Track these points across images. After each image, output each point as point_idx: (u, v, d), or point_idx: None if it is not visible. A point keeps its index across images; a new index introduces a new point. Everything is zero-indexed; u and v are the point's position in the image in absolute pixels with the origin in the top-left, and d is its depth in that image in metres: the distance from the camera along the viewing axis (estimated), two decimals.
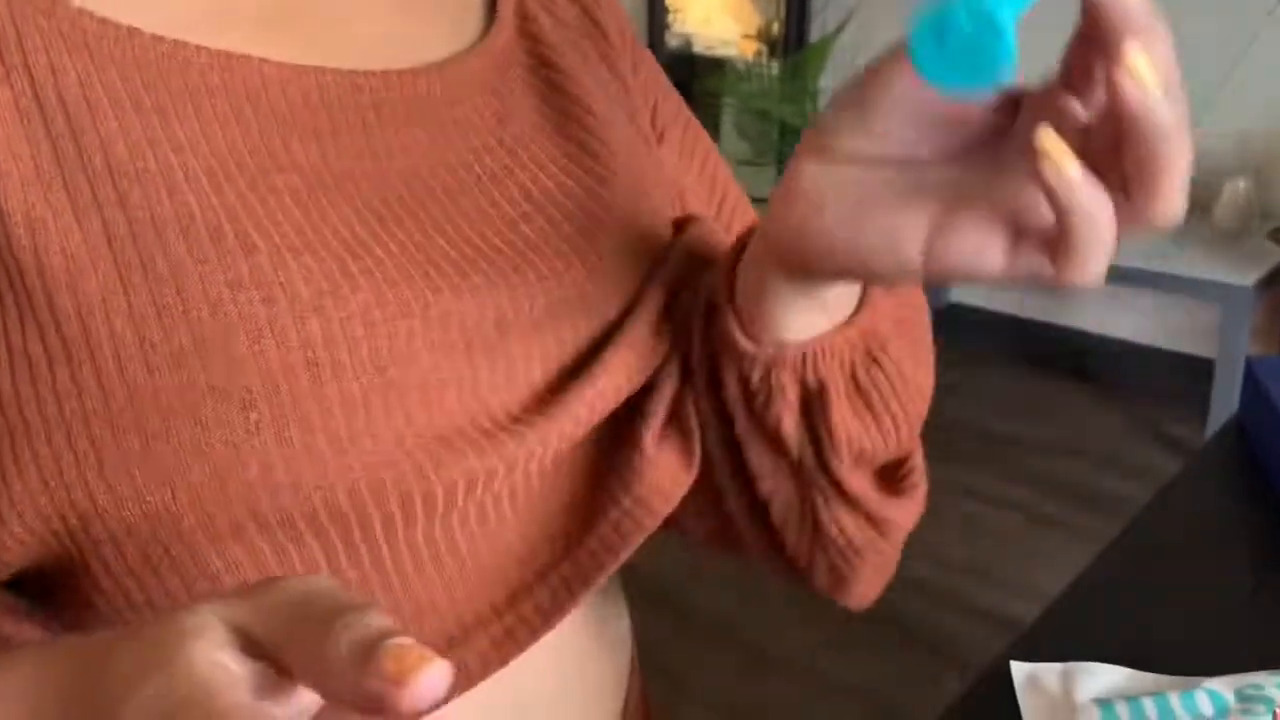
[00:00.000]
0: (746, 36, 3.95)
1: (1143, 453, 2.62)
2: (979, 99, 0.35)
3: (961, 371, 3.16)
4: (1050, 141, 0.32)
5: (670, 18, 3.92)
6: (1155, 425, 2.75)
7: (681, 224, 0.57)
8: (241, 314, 0.40)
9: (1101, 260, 0.34)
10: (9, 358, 0.39)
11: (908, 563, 2.34)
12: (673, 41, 3.96)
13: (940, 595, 2.16)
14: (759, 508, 0.55)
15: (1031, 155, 0.33)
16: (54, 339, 0.38)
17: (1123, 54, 0.32)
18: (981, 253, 0.37)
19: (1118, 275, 2.53)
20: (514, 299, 0.46)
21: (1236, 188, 2.57)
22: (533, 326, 0.46)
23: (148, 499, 0.40)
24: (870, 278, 0.44)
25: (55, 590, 0.43)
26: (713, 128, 3.90)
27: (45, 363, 0.39)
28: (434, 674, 0.25)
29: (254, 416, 0.40)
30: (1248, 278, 2.39)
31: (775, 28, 3.73)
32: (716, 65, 3.86)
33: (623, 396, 0.50)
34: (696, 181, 0.64)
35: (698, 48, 4.01)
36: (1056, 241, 0.34)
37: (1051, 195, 0.33)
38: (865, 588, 0.59)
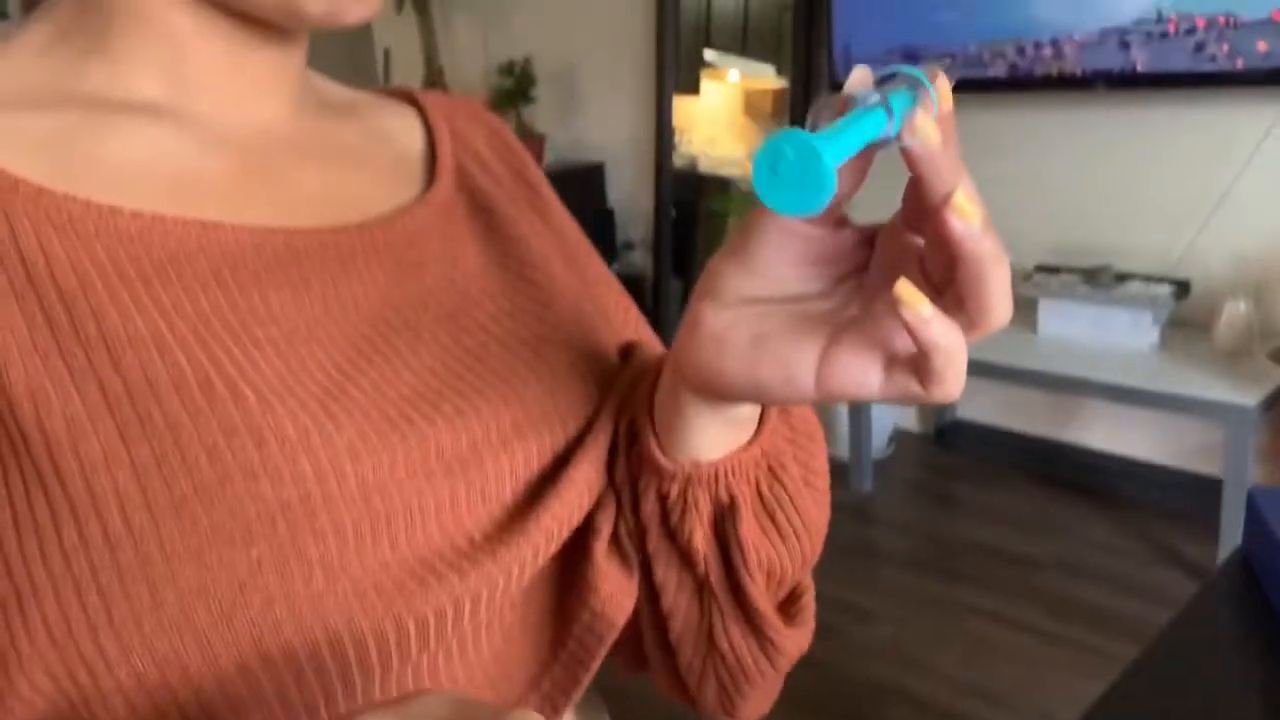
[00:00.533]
0: (750, 157, 4.04)
1: (1153, 572, 2.60)
2: (811, 218, 0.41)
3: (966, 488, 3.15)
4: (906, 291, 0.37)
5: (677, 138, 4.02)
6: (1165, 544, 2.72)
7: (626, 350, 0.61)
8: (236, 458, 0.42)
9: (958, 378, 0.39)
10: (14, 523, 0.41)
11: (912, 681, 2.33)
12: (679, 162, 4.06)
13: (946, 716, 2.12)
14: (660, 624, 0.58)
15: (892, 297, 0.38)
16: (60, 499, 0.41)
17: (949, 198, 0.38)
18: (862, 378, 0.41)
19: (1122, 394, 2.55)
20: (483, 422, 0.50)
21: (1236, 309, 2.60)
22: (502, 445, 0.50)
23: (156, 645, 0.42)
24: (770, 402, 0.48)
25: None
26: (719, 244, 3.96)
27: (51, 523, 0.41)
28: None
29: (255, 553, 0.42)
30: (1251, 398, 2.40)
31: None
32: (721, 185, 3.95)
33: (585, 511, 0.54)
34: (614, 305, 0.68)
35: (703, 167, 4.10)
36: (920, 365, 0.39)
37: (911, 332, 0.37)
38: (752, 709, 0.61)
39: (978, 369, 2.81)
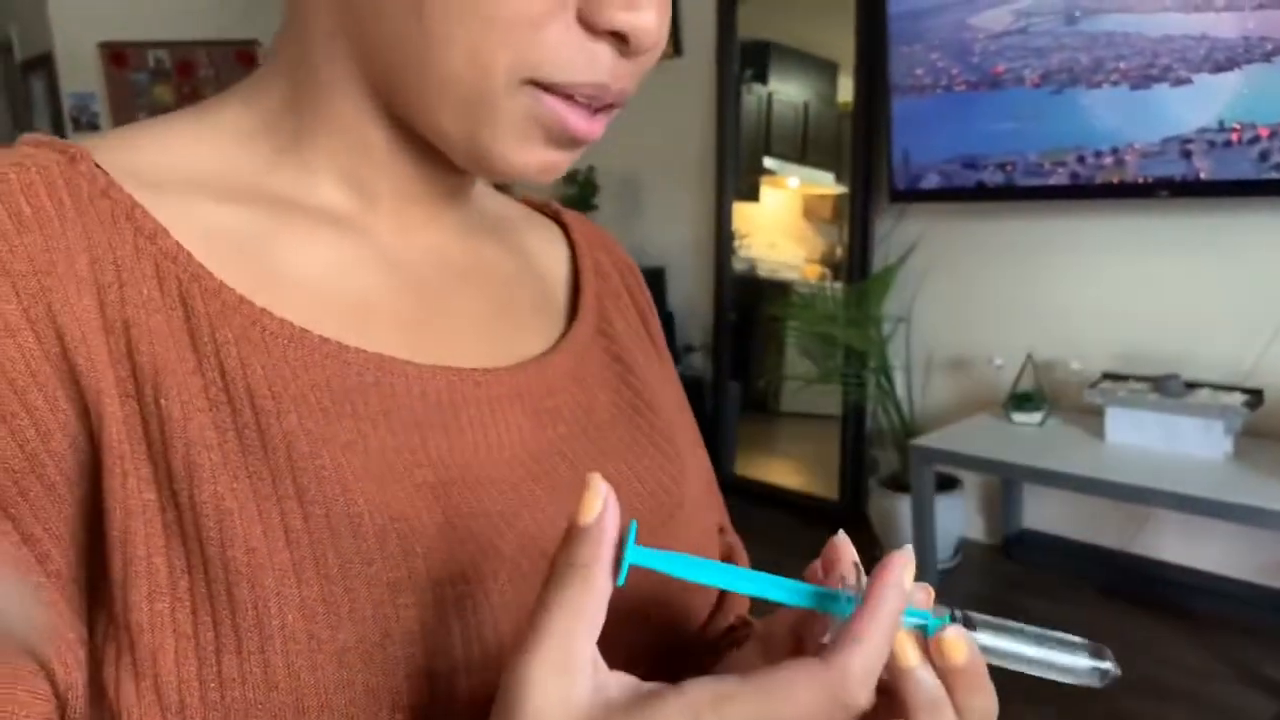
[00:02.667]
0: (810, 261, 4.08)
1: (1237, 693, 2.49)
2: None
3: (1033, 600, 3.06)
4: None
5: (736, 243, 4.07)
6: (1245, 663, 2.61)
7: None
8: (399, 617, 0.42)
9: None
10: (175, 641, 0.40)
11: None
12: (739, 265, 4.10)
13: None
14: None
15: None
16: (227, 628, 0.40)
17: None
18: None
19: (1193, 504, 2.48)
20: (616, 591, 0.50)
21: None
22: (628, 616, 0.50)
23: None
24: None
25: None
26: (777, 350, 3.97)
27: (214, 649, 0.40)
28: None
29: (400, 718, 0.42)
30: None
31: (838, 252, 3.85)
32: (781, 289, 3.97)
33: None
34: None
35: (762, 272, 4.14)
36: None
37: None
38: None
39: (1045, 477, 2.76)
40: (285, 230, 0.49)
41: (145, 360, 0.41)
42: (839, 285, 3.64)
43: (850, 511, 3.60)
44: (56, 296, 0.40)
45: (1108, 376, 2.93)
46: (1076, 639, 0.40)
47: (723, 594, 0.62)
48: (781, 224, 4.21)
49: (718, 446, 3.99)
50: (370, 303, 0.51)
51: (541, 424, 0.54)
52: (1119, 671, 0.39)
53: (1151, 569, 3.02)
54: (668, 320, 4.22)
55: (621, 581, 0.38)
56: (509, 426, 0.52)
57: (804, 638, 0.45)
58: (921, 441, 3.00)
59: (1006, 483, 3.27)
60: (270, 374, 0.44)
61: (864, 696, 0.37)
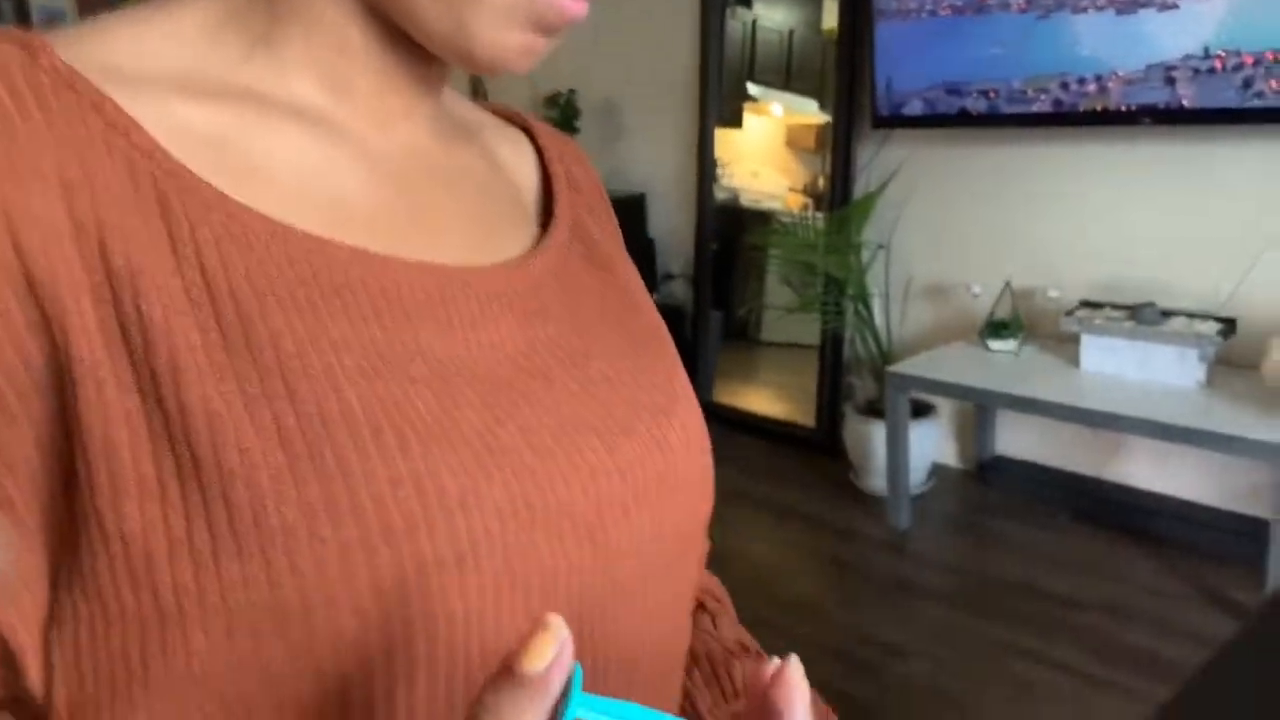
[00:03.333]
0: (792, 190, 4.06)
1: (1198, 615, 2.55)
2: None
3: (1006, 524, 3.11)
4: None
5: (719, 171, 4.04)
6: (1211, 587, 2.67)
7: None
8: (401, 510, 0.42)
9: None
10: (169, 548, 0.39)
11: None
12: (720, 195, 4.08)
13: None
14: None
15: None
16: (224, 531, 0.39)
17: None
18: None
19: (1166, 431, 2.52)
20: (611, 486, 0.50)
21: None
22: (624, 513, 0.50)
23: (299, 687, 0.41)
24: None
25: None
26: (758, 279, 3.97)
27: (211, 554, 0.39)
28: None
29: (409, 610, 0.42)
30: None
31: (820, 183, 3.83)
32: (763, 218, 3.96)
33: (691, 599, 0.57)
34: None
35: (745, 201, 4.12)
36: None
37: None
38: None
39: (1020, 404, 2.78)
40: (260, 125, 0.48)
41: (121, 263, 0.40)
42: (820, 215, 3.63)
43: (826, 438, 3.63)
44: (14, 202, 0.39)
45: (1084, 305, 2.94)
46: None
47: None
48: (764, 152, 4.19)
49: (697, 375, 4.00)
50: (349, 199, 0.50)
51: (530, 324, 0.53)
52: None
53: (1122, 495, 3.07)
54: (648, 248, 4.20)
55: None
56: (498, 326, 0.51)
57: None
58: (898, 368, 3.02)
59: (981, 409, 3.30)
60: (253, 272, 0.43)
61: None
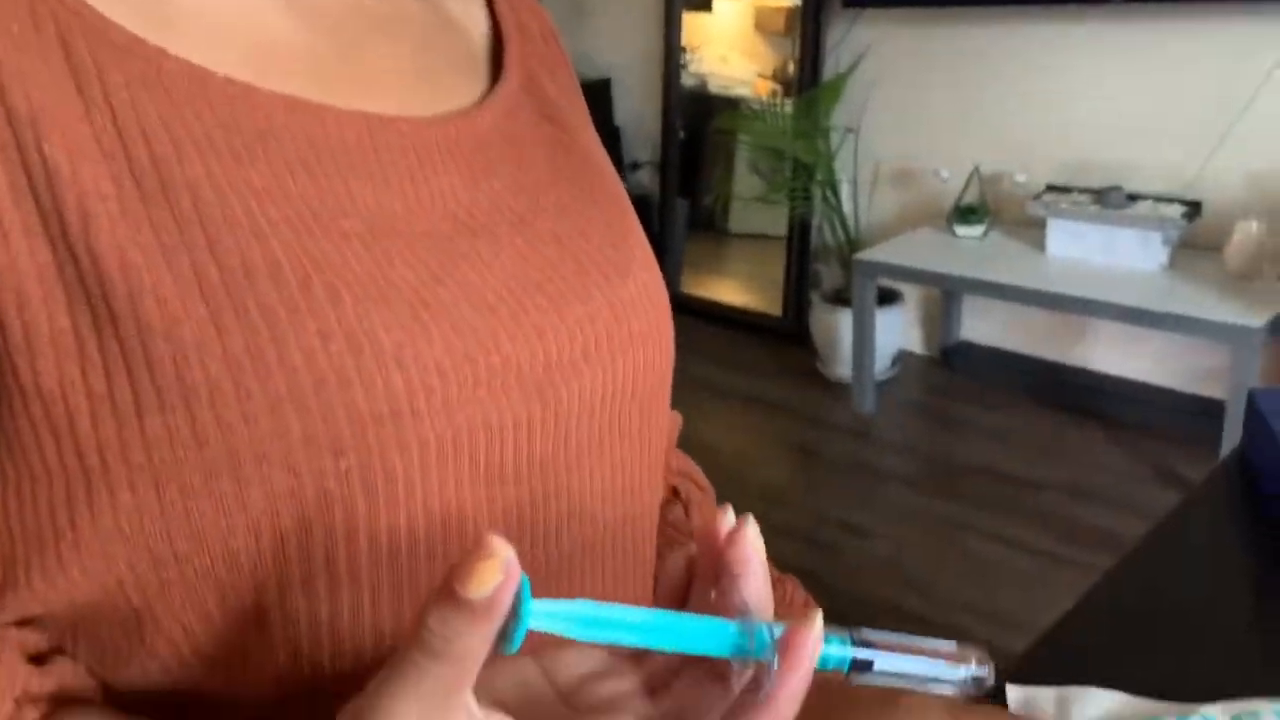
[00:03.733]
0: (761, 76, 3.98)
1: (1154, 494, 2.60)
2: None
3: (969, 409, 3.15)
4: None
5: (686, 57, 3.95)
6: (1168, 466, 2.73)
7: None
8: (332, 364, 0.40)
9: None
10: (89, 405, 0.38)
11: (911, 600, 2.34)
12: (688, 81, 3.99)
13: (944, 634, 2.14)
14: None
15: None
16: (146, 386, 0.38)
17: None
18: None
19: (1129, 314, 2.53)
20: (559, 342, 0.48)
21: (1249, 229, 2.57)
22: (573, 369, 0.49)
23: (231, 544, 0.41)
24: None
25: (100, 631, 0.44)
26: (726, 167, 3.92)
27: (134, 409, 0.39)
28: None
29: (344, 464, 0.41)
30: (1258, 319, 2.38)
31: (790, 68, 3.76)
32: (731, 104, 3.89)
33: (659, 464, 0.56)
34: None
35: (713, 87, 4.04)
36: None
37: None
38: None
39: (985, 289, 2.79)
40: None
41: (19, 103, 0.38)
42: (790, 102, 3.57)
43: (793, 327, 3.63)
44: None
45: (1051, 189, 2.93)
46: (956, 650, 0.41)
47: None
48: (733, 36, 4.09)
49: (665, 264, 3.97)
50: (276, 42, 0.47)
51: (475, 179, 0.51)
52: (991, 679, 0.40)
53: (1084, 379, 3.11)
54: (614, 135, 4.13)
55: (514, 649, 0.34)
56: (439, 180, 0.49)
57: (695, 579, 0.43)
58: (864, 255, 3.02)
59: (947, 295, 3.31)
60: (168, 118, 0.41)
61: None
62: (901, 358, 3.43)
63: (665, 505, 0.70)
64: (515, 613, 0.33)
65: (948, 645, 0.41)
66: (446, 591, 0.32)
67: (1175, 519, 0.86)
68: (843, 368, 3.27)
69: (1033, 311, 3.04)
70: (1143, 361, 3.00)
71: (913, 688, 0.40)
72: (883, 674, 0.39)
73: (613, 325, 0.51)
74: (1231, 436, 2.41)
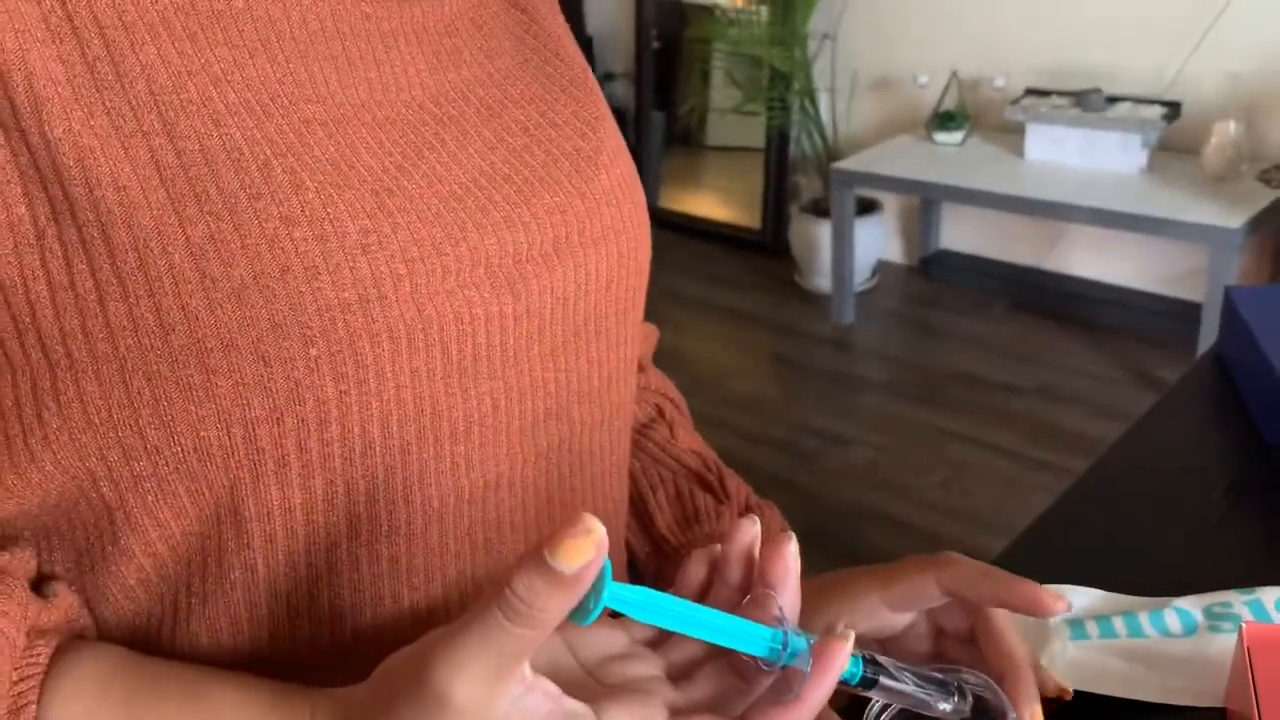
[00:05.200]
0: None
1: (1131, 396, 2.63)
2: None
3: (948, 317, 3.16)
4: None
5: None
6: (1144, 369, 2.75)
7: None
8: (298, 250, 0.40)
9: None
10: (51, 294, 0.38)
11: (891, 504, 2.37)
12: None
13: (923, 537, 2.18)
14: None
15: None
16: (108, 274, 0.38)
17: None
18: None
19: (1107, 218, 2.53)
20: (529, 235, 0.48)
21: (1226, 130, 2.55)
22: (544, 262, 0.48)
23: (202, 434, 0.41)
24: None
25: (69, 527, 0.44)
26: (702, 76, 3.86)
27: (96, 298, 0.38)
28: None
29: (313, 352, 0.41)
30: (1235, 219, 2.38)
31: None
32: (706, 12, 3.81)
33: (629, 366, 0.55)
34: None
35: None
36: None
37: None
38: None
39: (964, 196, 2.78)
40: None
41: None
42: (765, 8, 3.49)
43: (772, 239, 3.62)
44: None
45: (1030, 93, 2.90)
46: (950, 680, 0.45)
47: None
48: None
49: (642, 179, 3.91)
50: None
51: (441, 65, 0.50)
52: (968, 710, 0.45)
53: (1062, 284, 3.12)
54: (586, 45, 4.05)
55: (588, 623, 0.35)
56: (405, 65, 0.48)
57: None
58: (843, 165, 2.99)
59: (926, 204, 3.29)
60: (119, 1, 0.39)
61: None
62: (880, 268, 3.43)
63: (650, 425, 0.71)
64: (595, 589, 0.35)
65: (941, 679, 0.45)
66: (536, 558, 0.33)
67: (1150, 420, 0.87)
68: (822, 279, 3.26)
69: (1012, 218, 3.03)
70: (1121, 265, 3.00)
71: (910, 707, 0.44)
72: (884, 689, 0.43)
73: (584, 218, 0.51)
74: (1208, 338, 2.43)
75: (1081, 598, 0.63)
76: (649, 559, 0.63)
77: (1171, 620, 0.60)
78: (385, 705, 0.37)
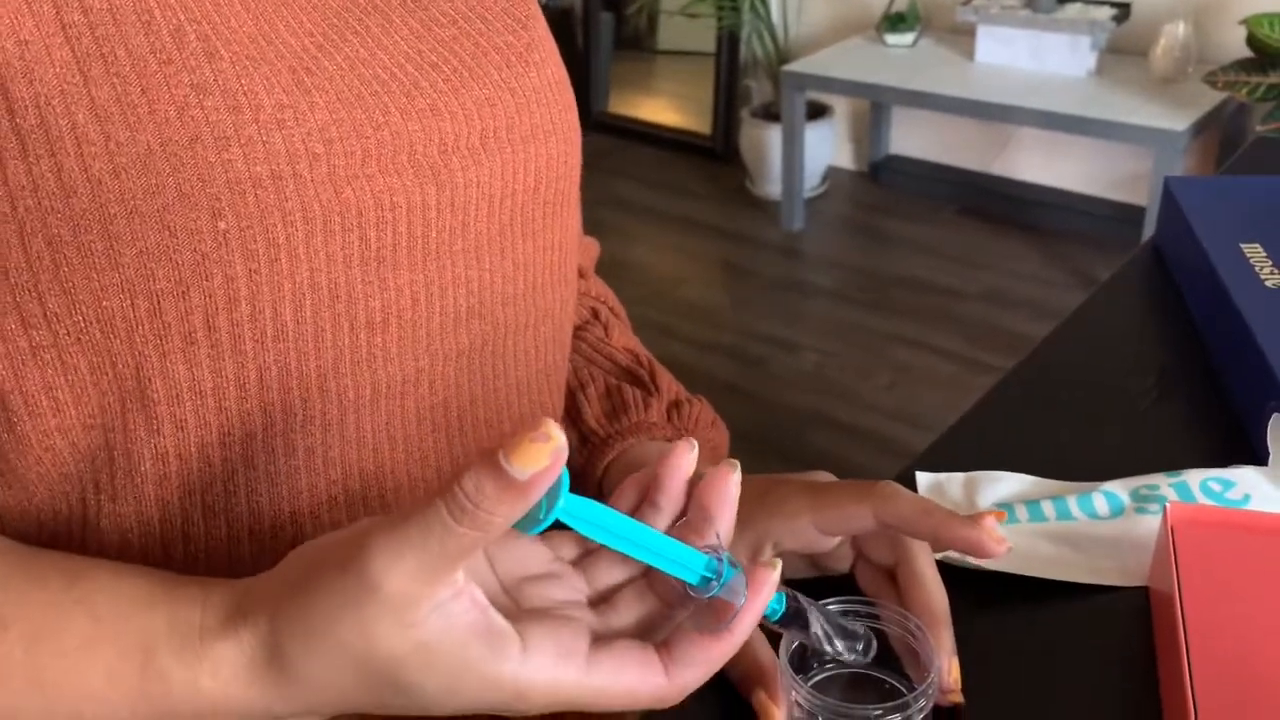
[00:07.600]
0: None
1: (1076, 299, 2.64)
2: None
3: (896, 223, 3.15)
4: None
5: None
6: (1088, 271, 2.77)
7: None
8: (209, 120, 0.39)
9: None
10: None
11: (837, 408, 2.38)
12: None
13: (869, 440, 2.21)
14: None
15: None
16: (7, 131, 0.37)
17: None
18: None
19: (1054, 121, 2.52)
20: (455, 125, 0.46)
21: (1175, 32, 2.54)
22: (471, 155, 0.47)
23: (105, 305, 0.39)
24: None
25: None
26: None
27: None
28: None
29: (222, 226, 0.39)
30: (1181, 122, 2.38)
31: None
32: None
33: (557, 272, 0.54)
34: None
35: None
36: None
37: None
38: None
39: (913, 99, 2.75)
40: None
41: None
42: None
43: (722, 145, 3.57)
44: None
45: None
46: (866, 635, 0.45)
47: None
48: None
49: (590, 84, 3.85)
50: None
51: None
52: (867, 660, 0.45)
53: (1010, 188, 3.12)
54: None
55: (536, 531, 0.35)
56: None
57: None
58: (793, 67, 2.95)
59: (876, 108, 3.26)
60: None
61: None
62: (830, 174, 3.41)
63: (585, 326, 0.70)
64: (549, 498, 0.34)
65: (854, 629, 0.45)
66: (490, 460, 0.32)
67: (1086, 311, 0.87)
68: (772, 185, 3.24)
69: (961, 122, 3.02)
70: (1068, 169, 3.01)
71: (814, 647, 0.44)
72: (798, 630, 0.43)
73: (514, 114, 0.49)
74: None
75: (1011, 484, 0.64)
76: (578, 453, 0.62)
77: (1099, 503, 0.60)
78: (296, 590, 0.35)
